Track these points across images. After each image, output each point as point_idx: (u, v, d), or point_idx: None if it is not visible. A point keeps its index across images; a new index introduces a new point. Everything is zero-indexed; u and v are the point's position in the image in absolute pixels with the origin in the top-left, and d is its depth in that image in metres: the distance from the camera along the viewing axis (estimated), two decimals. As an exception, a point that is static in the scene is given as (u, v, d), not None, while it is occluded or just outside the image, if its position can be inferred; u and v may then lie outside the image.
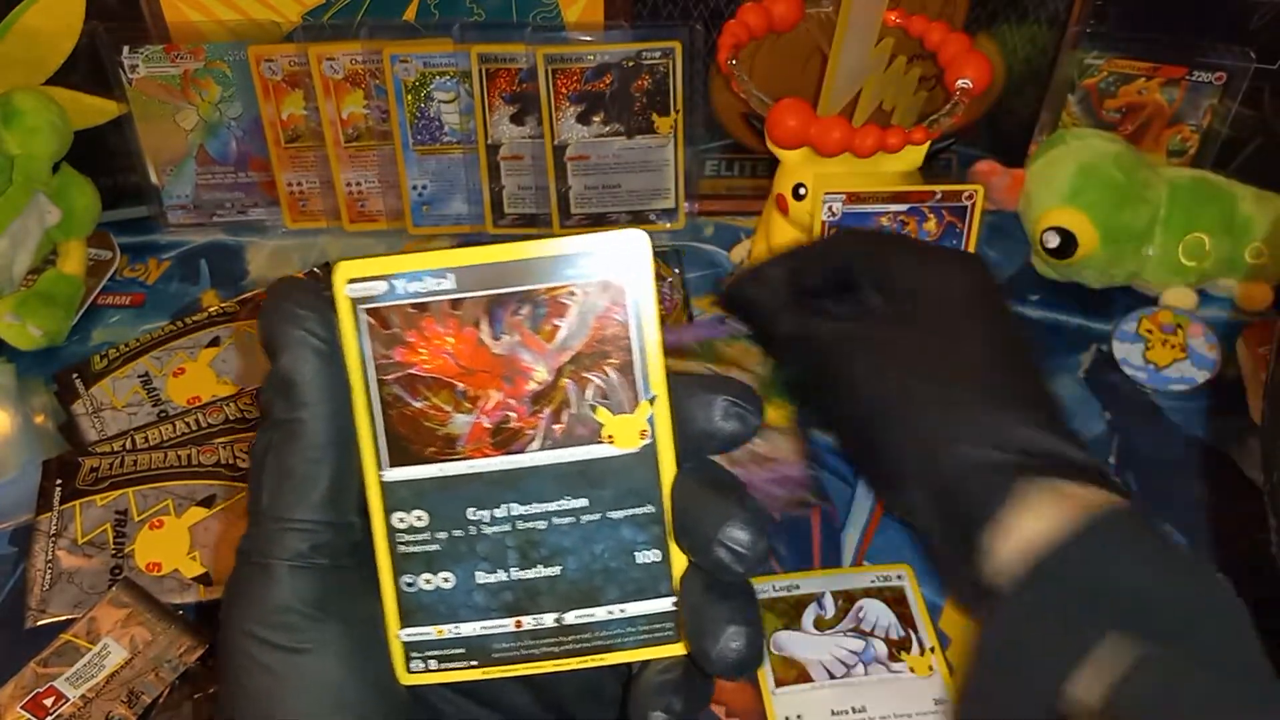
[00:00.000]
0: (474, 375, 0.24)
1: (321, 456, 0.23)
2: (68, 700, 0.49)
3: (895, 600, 0.54)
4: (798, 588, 0.54)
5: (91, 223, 0.74)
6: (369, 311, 0.24)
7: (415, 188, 0.76)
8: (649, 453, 0.24)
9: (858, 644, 0.52)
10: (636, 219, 0.78)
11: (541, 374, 0.24)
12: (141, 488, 0.58)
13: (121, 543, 0.56)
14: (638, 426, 0.24)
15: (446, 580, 0.25)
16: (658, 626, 0.25)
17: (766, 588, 0.54)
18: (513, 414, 0.24)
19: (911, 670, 0.52)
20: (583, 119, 0.74)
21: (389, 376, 0.24)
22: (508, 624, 0.25)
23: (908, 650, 0.52)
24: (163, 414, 0.63)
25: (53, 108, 0.69)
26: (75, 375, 0.65)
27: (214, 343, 0.67)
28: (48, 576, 0.54)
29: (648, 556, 0.25)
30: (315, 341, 0.23)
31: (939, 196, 0.61)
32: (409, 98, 0.73)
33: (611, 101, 0.73)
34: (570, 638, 0.25)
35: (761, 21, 0.67)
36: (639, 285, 0.24)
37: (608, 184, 0.76)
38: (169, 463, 0.59)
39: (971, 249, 0.62)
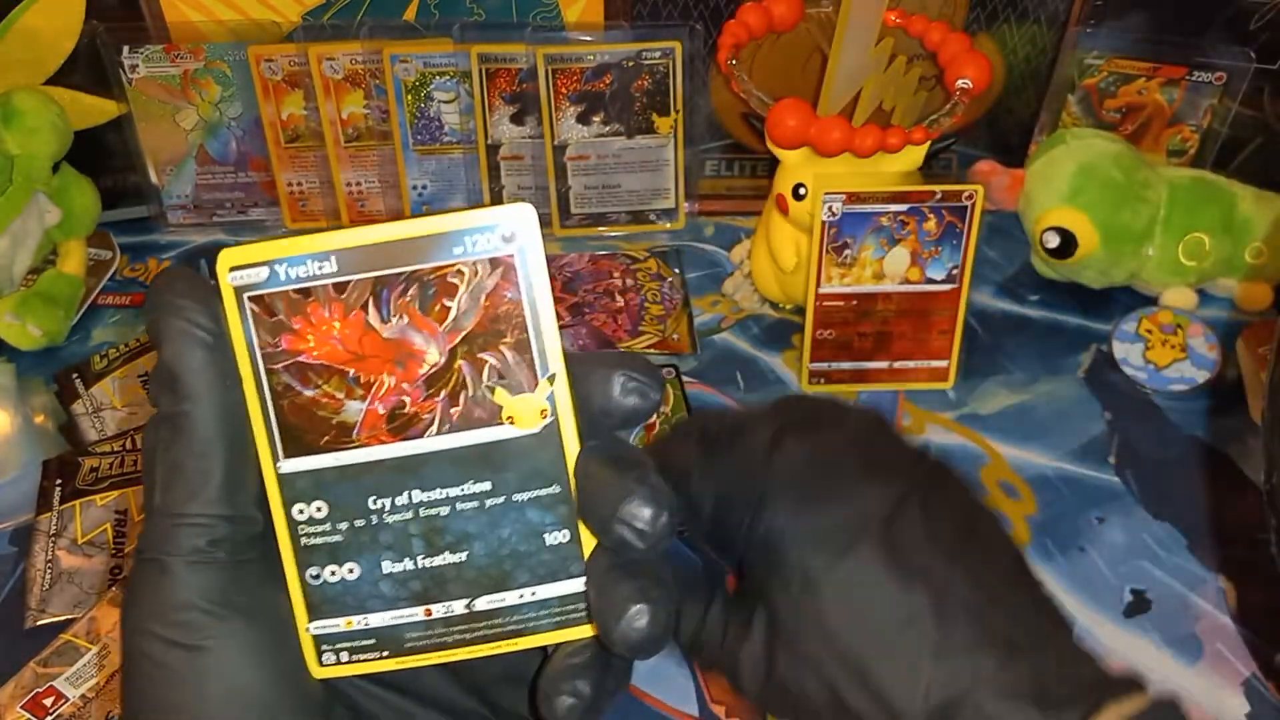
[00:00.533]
0: (364, 360, 0.23)
1: (211, 450, 0.23)
2: (68, 700, 0.49)
3: None
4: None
5: (91, 223, 0.74)
6: (253, 299, 0.23)
7: (415, 188, 0.76)
8: (551, 432, 0.24)
9: None
10: (636, 219, 0.78)
11: (434, 356, 0.23)
12: (141, 488, 0.58)
13: (121, 543, 0.56)
14: (538, 406, 0.23)
15: (351, 571, 0.24)
16: (570, 608, 0.25)
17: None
18: (407, 399, 0.23)
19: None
20: (583, 119, 0.74)
21: (278, 365, 0.23)
22: (417, 612, 0.24)
23: None
24: (163, 414, 0.63)
25: (53, 108, 0.69)
26: (75, 375, 0.65)
27: (214, 343, 0.67)
28: (47, 576, 0.54)
29: (556, 538, 0.24)
30: (199, 333, 0.23)
31: (939, 196, 0.61)
32: (409, 98, 0.73)
33: (611, 101, 0.73)
34: (482, 624, 0.25)
35: (761, 21, 0.67)
36: (529, 260, 0.23)
37: (608, 184, 0.76)
38: (169, 463, 0.59)
39: (971, 249, 0.62)
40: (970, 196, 0.61)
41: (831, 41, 0.63)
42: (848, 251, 0.62)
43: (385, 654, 0.25)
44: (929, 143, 0.62)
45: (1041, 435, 0.63)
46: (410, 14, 0.73)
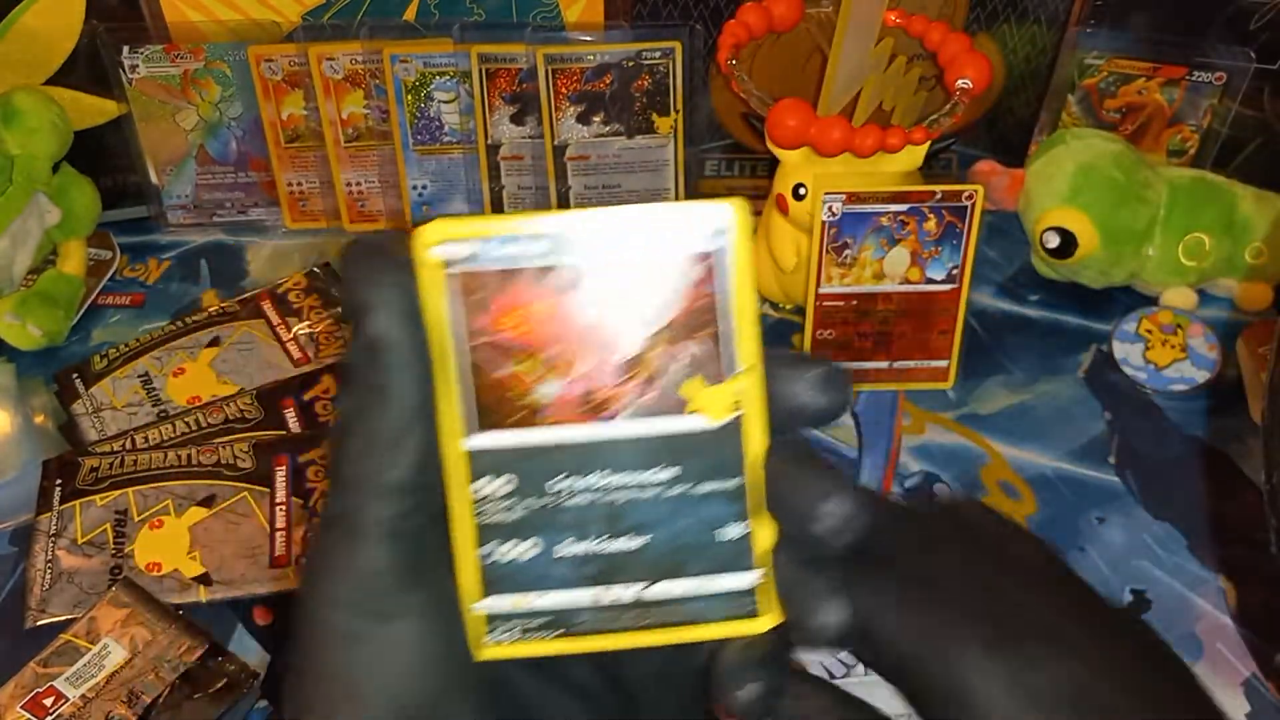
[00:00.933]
0: (564, 342, 0.23)
1: (411, 421, 0.23)
2: (68, 700, 0.49)
3: None
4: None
5: (91, 223, 0.74)
6: (456, 274, 0.23)
7: (415, 188, 0.76)
8: (737, 426, 0.24)
9: None
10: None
11: (632, 343, 0.24)
12: (141, 488, 0.58)
13: (121, 543, 0.56)
14: (728, 399, 0.24)
15: (528, 550, 0.24)
16: (739, 603, 0.25)
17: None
18: (602, 382, 0.24)
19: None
20: (583, 119, 0.74)
21: (474, 342, 0.23)
22: (590, 596, 0.25)
23: None
24: (163, 414, 0.63)
25: (53, 108, 0.69)
26: (75, 375, 0.65)
27: (214, 342, 0.67)
28: (47, 576, 0.54)
29: (731, 532, 0.24)
30: (403, 301, 0.23)
31: (939, 196, 0.61)
32: (409, 98, 0.73)
33: (611, 101, 0.73)
34: (652, 611, 0.25)
35: (761, 21, 0.67)
36: (734, 256, 0.23)
37: (608, 184, 0.76)
38: (169, 463, 0.59)
39: (971, 249, 0.62)
40: (970, 196, 0.61)
41: (831, 41, 0.63)
42: (848, 251, 0.62)
43: (551, 636, 0.25)
44: (929, 143, 0.62)
45: (1041, 435, 0.63)
46: (410, 14, 0.73)
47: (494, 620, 0.25)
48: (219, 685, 0.51)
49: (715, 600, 0.25)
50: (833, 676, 0.51)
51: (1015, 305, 0.73)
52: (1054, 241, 0.68)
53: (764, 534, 0.24)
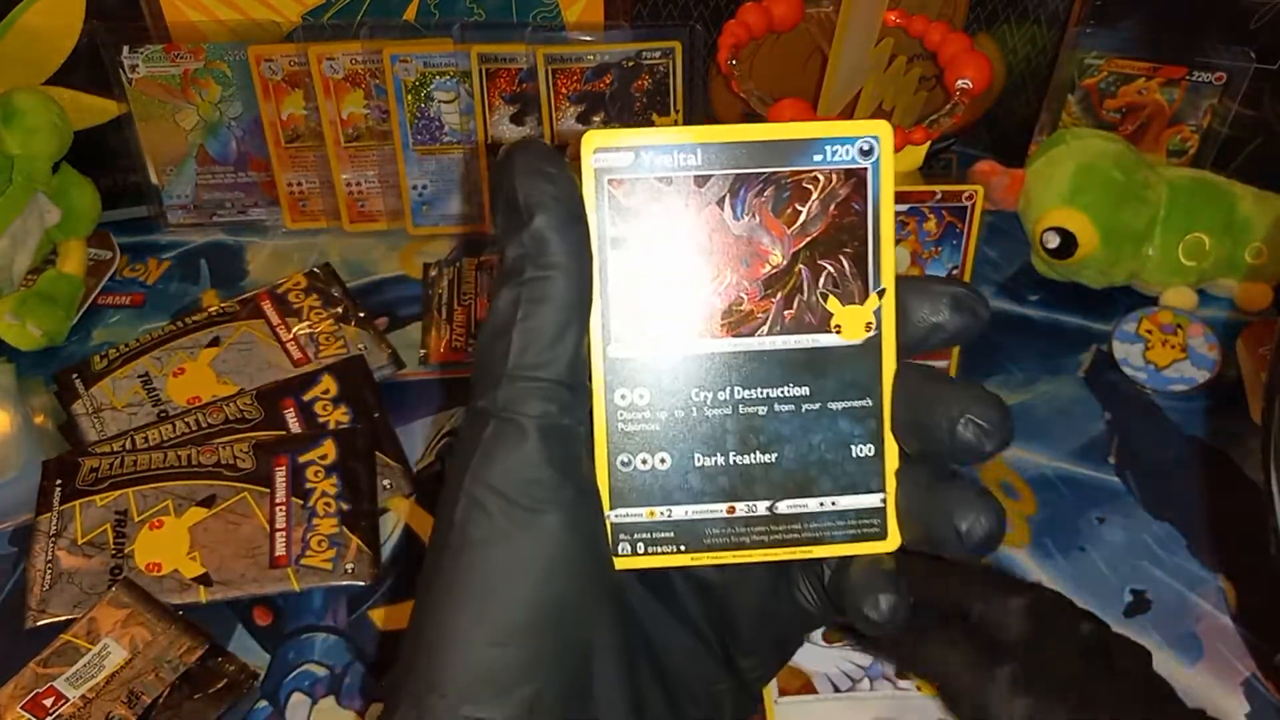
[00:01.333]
0: (712, 254, 0.24)
1: (570, 317, 0.23)
2: (67, 700, 0.49)
3: None
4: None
5: (91, 223, 0.74)
6: (613, 181, 0.24)
7: (415, 187, 0.76)
8: (873, 346, 0.24)
9: (865, 658, 0.52)
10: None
11: (777, 258, 0.24)
12: (141, 488, 0.58)
13: (121, 543, 0.56)
14: (865, 318, 0.24)
15: (664, 461, 0.25)
16: (866, 522, 0.25)
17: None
18: (745, 296, 0.24)
19: (918, 689, 0.51)
20: (583, 119, 0.74)
21: (625, 250, 0.24)
22: (720, 509, 0.25)
23: None
24: (163, 414, 0.63)
25: (53, 108, 0.69)
26: (75, 375, 0.65)
27: (214, 343, 0.67)
28: (47, 577, 0.54)
29: (863, 450, 0.25)
30: (570, 203, 0.23)
31: (939, 196, 0.61)
32: (409, 98, 0.73)
33: (612, 102, 0.73)
34: (781, 528, 0.25)
35: (761, 21, 0.67)
36: (881, 176, 0.24)
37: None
38: (169, 463, 0.58)
39: (971, 249, 0.62)
40: (970, 197, 0.61)
41: (831, 41, 0.63)
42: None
43: (681, 549, 0.25)
44: (929, 143, 0.62)
45: (1041, 435, 0.63)
46: (410, 14, 0.73)
47: (625, 530, 0.25)
48: (219, 685, 0.51)
49: (844, 519, 0.25)
50: (837, 689, 0.51)
51: (1015, 305, 0.73)
52: (1054, 241, 0.68)
53: (892, 455, 0.25)
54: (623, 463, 0.25)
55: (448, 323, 0.70)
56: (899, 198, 0.60)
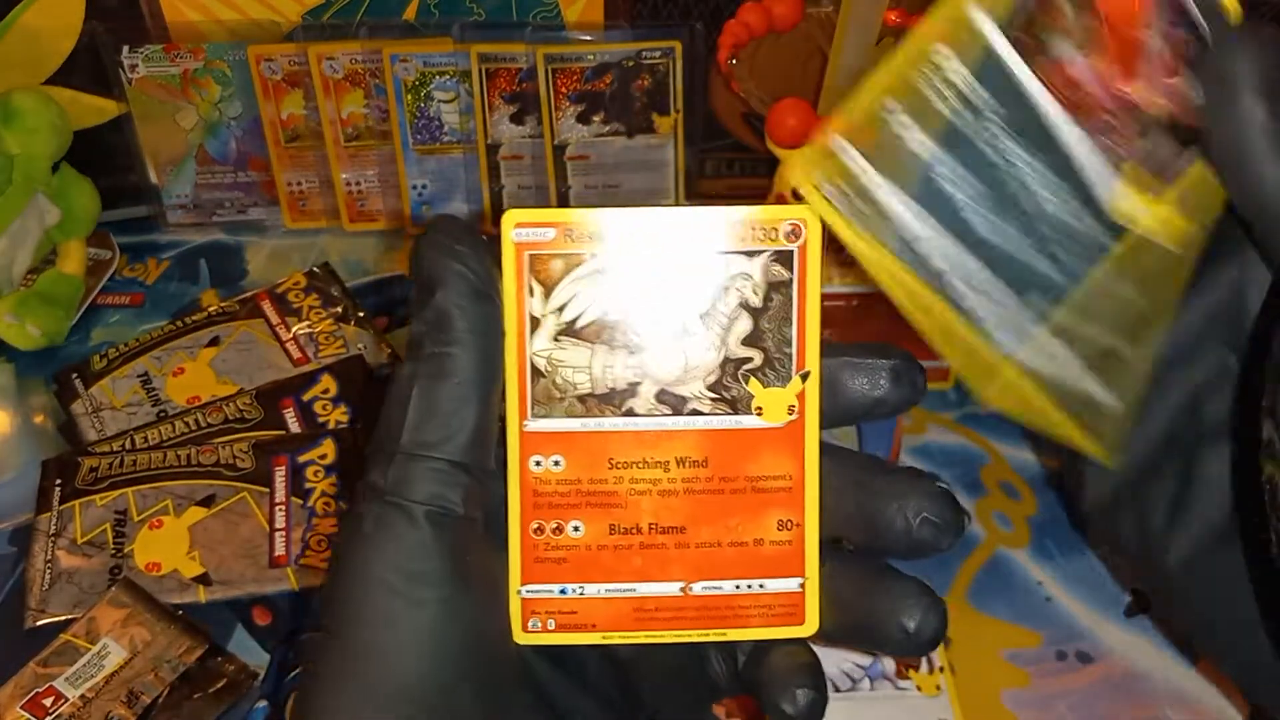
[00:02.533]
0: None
1: (470, 395, 0.23)
2: (67, 700, 0.49)
3: None
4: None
5: (91, 223, 0.74)
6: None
7: (415, 187, 0.76)
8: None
9: (865, 658, 0.52)
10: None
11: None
12: (141, 488, 0.57)
13: (121, 543, 0.56)
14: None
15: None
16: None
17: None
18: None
19: (919, 689, 0.51)
20: (583, 119, 0.74)
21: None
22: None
23: (916, 669, 0.52)
24: (162, 414, 0.63)
25: (52, 108, 0.69)
26: (75, 375, 0.65)
27: (214, 342, 0.67)
28: (47, 576, 0.54)
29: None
30: (473, 279, 0.23)
31: (939, 196, 0.60)
32: (409, 97, 0.73)
33: (611, 101, 0.73)
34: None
35: (761, 21, 0.67)
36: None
37: (608, 184, 0.76)
38: (168, 462, 0.58)
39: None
40: (970, 196, 0.60)
41: (831, 41, 0.63)
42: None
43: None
44: (929, 143, 0.61)
45: (1042, 435, 0.63)
46: (410, 13, 0.73)
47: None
48: (218, 685, 0.51)
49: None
50: (837, 689, 0.51)
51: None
52: (1054, 241, 0.68)
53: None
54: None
55: (447, 323, 0.70)
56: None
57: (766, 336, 0.24)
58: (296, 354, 0.66)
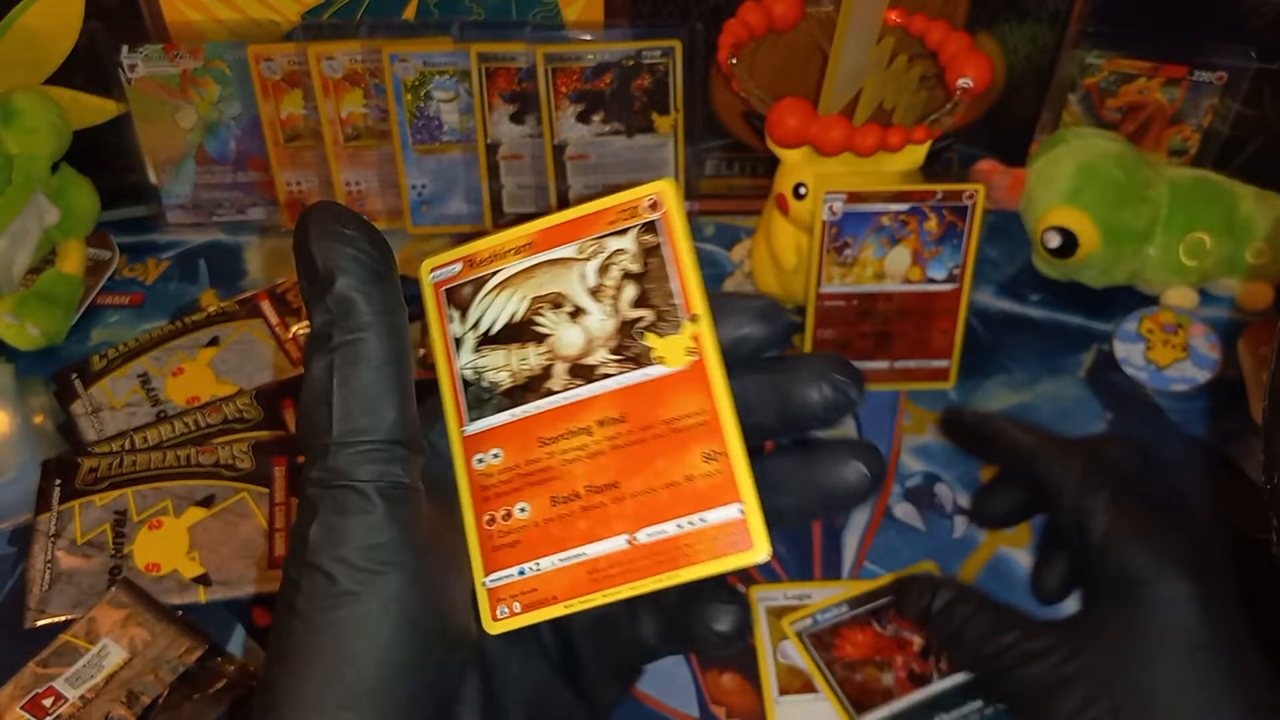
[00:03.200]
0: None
1: (388, 372, 0.23)
2: (67, 701, 0.49)
3: None
4: (809, 598, 0.54)
5: (91, 222, 0.74)
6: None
7: (414, 187, 0.76)
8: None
9: None
10: (636, 218, 0.77)
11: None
12: (140, 488, 0.57)
13: (120, 543, 0.56)
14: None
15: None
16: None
17: (776, 595, 0.54)
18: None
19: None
20: (582, 118, 0.74)
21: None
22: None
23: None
24: (162, 414, 0.63)
25: (52, 107, 0.69)
26: (74, 375, 0.65)
27: (213, 342, 0.67)
28: (47, 577, 0.54)
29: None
30: (369, 261, 0.23)
31: (940, 196, 0.60)
32: (408, 97, 0.73)
33: (611, 100, 0.73)
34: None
35: (762, 21, 0.67)
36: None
37: (608, 183, 0.76)
38: (168, 463, 0.58)
39: (972, 248, 0.62)
40: (971, 196, 0.60)
41: (832, 41, 0.63)
42: (848, 251, 0.62)
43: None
44: (930, 142, 0.61)
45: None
46: (410, 13, 0.73)
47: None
48: (218, 686, 0.51)
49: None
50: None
51: (1016, 305, 0.72)
52: (1055, 241, 0.68)
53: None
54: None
55: (447, 322, 0.70)
56: (900, 197, 0.60)
57: (653, 295, 0.26)
58: (296, 354, 0.66)
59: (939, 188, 0.60)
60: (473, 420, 0.27)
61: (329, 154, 0.75)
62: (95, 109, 0.74)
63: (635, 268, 0.27)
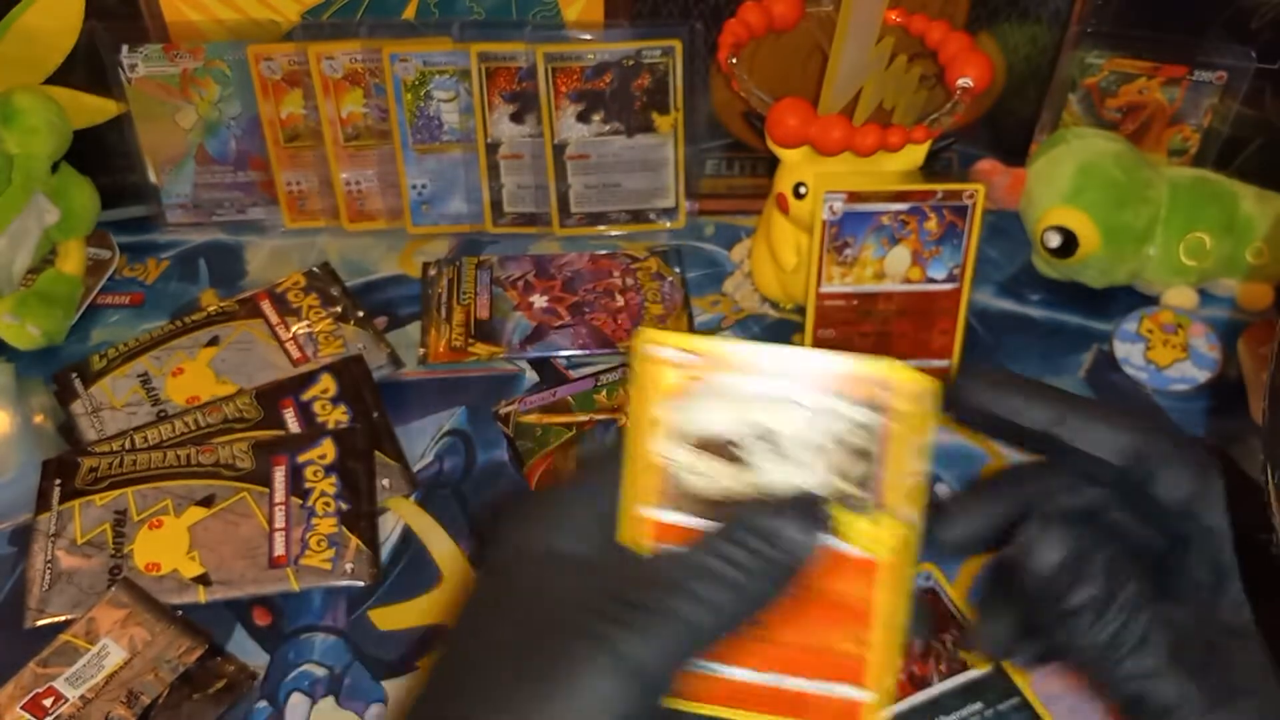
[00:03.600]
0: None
1: None
2: (67, 700, 0.49)
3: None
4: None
5: (91, 222, 0.74)
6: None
7: (415, 187, 0.76)
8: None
9: None
10: (636, 218, 0.77)
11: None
12: (140, 487, 0.57)
13: (120, 543, 0.56)
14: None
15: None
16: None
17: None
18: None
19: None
20: (582, 118, 0.74)
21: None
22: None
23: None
24: (162, 414, 0.63)
25: (52, 107, 0.69)
26: (74, 375, 0.65)
27: (213, 342, 0.67)
28: (47, 576, 0.54)
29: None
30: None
31: (940, 195, 0.60)
32: (408, 96, 0.73)
33: (611, 100, 0.73)
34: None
35: (762, 20, 0.67)
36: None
37: (608, 183, 0.76)
38: (168, 462, 0.58)
39: (972, 248, 0.62)
40: (971, 196, 0.60)
41: (832, 41, 0.63)
42: (848, 251, 0.62)
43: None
44: (930, 142, 0.61)
45: (1042, 435, 0.63)
46: (410, 13, 0.73)
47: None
48: (218, 685, 0.51)
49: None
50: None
51: (1016, 305, 0.72)
52: (1055, 241, 0.68)
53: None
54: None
55: (447, 322, 0.70)
56: (900, 197, 0.60)
57: (857, 470, 0.26)
58: (296, 354, 0.66)
59: (939, 187, 0.60)
60: (663, 509, 0.27)
61: (329, 154, 0.75)
62: (95, 109, 0.74)
63: (854, 440, 0.26)
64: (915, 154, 0.62)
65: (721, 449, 0.27)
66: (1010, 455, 0.62)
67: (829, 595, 0.26)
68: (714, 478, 0.27)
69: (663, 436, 0.27)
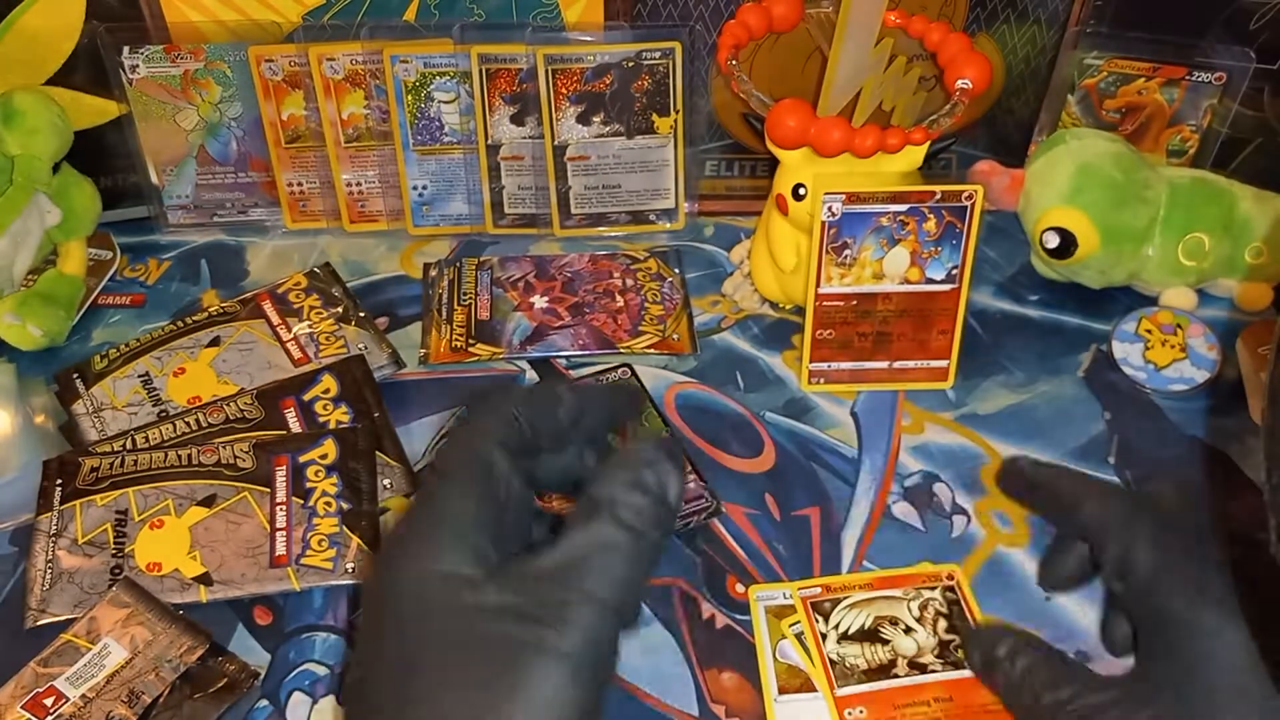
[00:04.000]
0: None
1: None
2: (68, 700, 0.49)
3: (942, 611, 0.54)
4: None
5: (92, 223, 0.74)
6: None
7: (415, 188, 0.77)
8: None
9: None
10: (636, 219, 0.78)
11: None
12: (142, 487, 0.58)
13: (122, 542, 0.56)
14: None
15: None
16: None
17: (776, 595, 0.54)
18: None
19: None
20: (583, 119, 0.74)
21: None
22: None
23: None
24: (163, 414, 0.63)
25: (53, 108, 0.69)
26: (75, 375, 0.65)
27: (214, 342, 0.67)
28: (48, 576, 0.55)
29: None
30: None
31: (939, 196, 0.61)
32: (409, 98, 0.73)
33: (611, 102, 0.73)
34: None
35: (761, 22, 0.67)
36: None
37: (608, 184, 0.76)
38: (169, 462, 0.59)
39: (971, 249, 0.62)
40: (970, 196, 0.61)
41: (831, 42, 0.63)
42: (847, 251, 0.62)
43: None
44: (929, 143, 0.62)
45: (1041, 435, 0.63)
46: (410, 14, 0.73)
47: None
48: (219, 685, 0.51)
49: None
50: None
51: (1015, 305, 0.73)
52: (1054, 241, 0.68)
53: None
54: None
55: (448, 323, 0.70)
56: (899, 198, 0.61)
57: (957, 625, 0.49)
58: (297, 354, 0.66)
59: (938, 188, 0.60)
60: (841, 686, 0.47)
61: (330, 155, 0.76)
62: (96, 109, 0.74)
63: (944, 610, 0.50)
64: (914, 155, 0.62)
65: (872, 636, 0.47)
66: (1010, 454, 0.62)
67: (984, 708, 0.43)
68: (869, 655, 0.46)
69: (828, 640, 0.49)
